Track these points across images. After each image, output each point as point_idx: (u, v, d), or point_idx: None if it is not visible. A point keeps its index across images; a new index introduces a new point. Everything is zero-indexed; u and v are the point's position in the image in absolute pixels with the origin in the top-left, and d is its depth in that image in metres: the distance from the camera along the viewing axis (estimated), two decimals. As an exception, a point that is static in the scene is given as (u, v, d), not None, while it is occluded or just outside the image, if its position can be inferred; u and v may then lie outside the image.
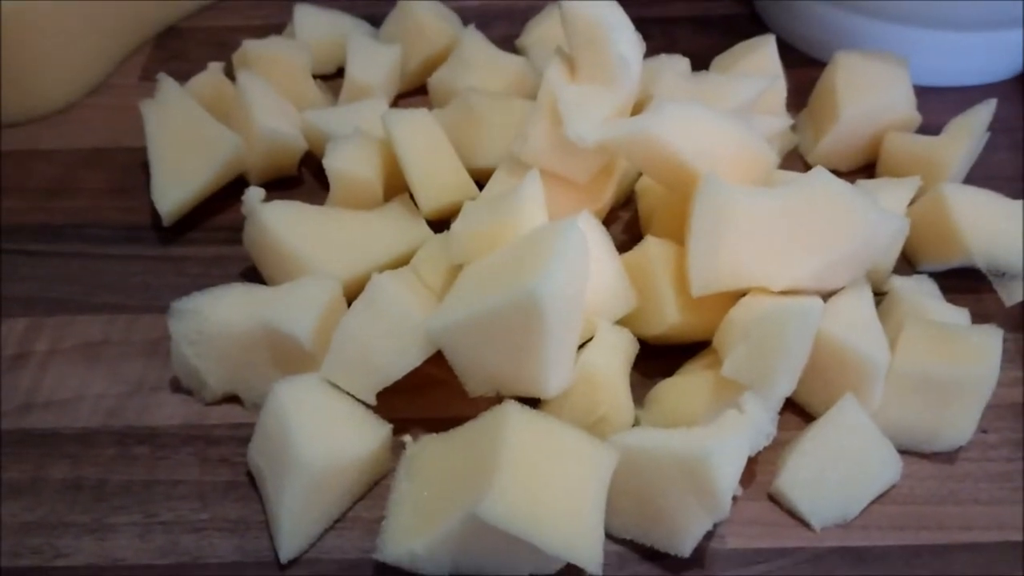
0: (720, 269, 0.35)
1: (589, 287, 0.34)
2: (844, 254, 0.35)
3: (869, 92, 0.45)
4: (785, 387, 0.33)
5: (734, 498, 0.33)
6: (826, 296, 0.35)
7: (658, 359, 0.38)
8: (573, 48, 0.39)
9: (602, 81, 0.38)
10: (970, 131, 0.43)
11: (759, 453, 0.33)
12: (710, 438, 0.30)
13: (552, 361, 0.32)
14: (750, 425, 0.31)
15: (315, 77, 0.50)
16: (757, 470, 0.34)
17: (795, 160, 0.47)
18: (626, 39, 0.38)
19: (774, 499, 0.33)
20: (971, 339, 0.34)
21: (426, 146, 0.41)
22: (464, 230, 0.36)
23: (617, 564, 0.32)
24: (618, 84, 0.38)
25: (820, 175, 0.35)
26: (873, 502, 0.33)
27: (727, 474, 0.29)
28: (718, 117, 0.37)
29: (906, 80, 0.46)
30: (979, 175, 0.45)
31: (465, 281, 0.34)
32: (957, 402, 0.34)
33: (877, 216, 0.34)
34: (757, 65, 0.47)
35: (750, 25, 0.56)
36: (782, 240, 0.35)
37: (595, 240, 0.36)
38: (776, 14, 0.55)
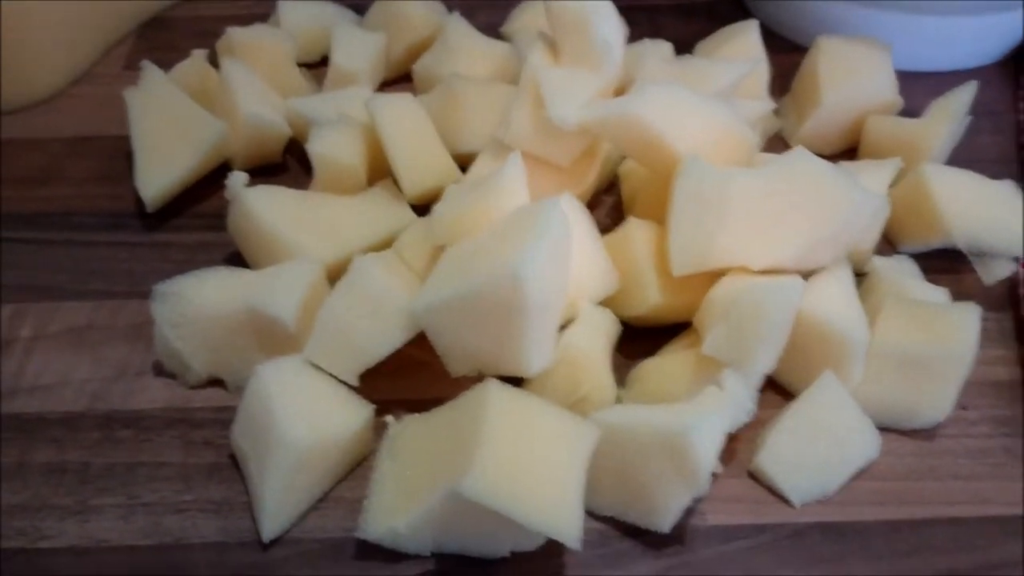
0: (701, 249, 0.35)
1: (571, 268, 0.35)
2: (825, 233, 0.35)
3: (851, 77, 0.45)
4: (764, 364, 0.33)
5: (715, 475, 0.33)
6: (807, 276, 0.36)
7: (642, 340, 0.38)
8: (556, 32, 0.39)
9: (585, 65, 0.39)
10: (951, 113, 0.43)
11: (740, 431, 0.33)
12: (689, 414, 0.30)
13: (533, 340, 0.32)
14: (729, 402, 0.31)
15: (300, 66, 0.51)
16: (738, 448, 0.34)
17: (778, 144, 0.47)
18: (609, 23, 0.38)
19: (754, 476, 0.34)
20: (949, 317, 0.35)
21: (410, 130, 0.41)
22: (446, 212, 0.36)
23: (598, 541, 0.32)
24: (601, 68, 0.38)
25: (801, 155, 0.35)
26: (853, 478, 0.33)
27: (706, 449, 0.30)
28: (700, 99, 0.37)
29: (888, 65, 0.46)
30: (962, 158, 0.45)
31: (447, 262, 0.34)
32: (935, 379, 0.34)
33: (858, 195, 0.35)
34: (740, 50, 0.47)
35: (734, 11, 0.57)
36: (763, 220, 0.35)
37: (577, 222, 0.36)
38: (760, 1, 0.55)
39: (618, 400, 0.35)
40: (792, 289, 0.33)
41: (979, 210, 0.39)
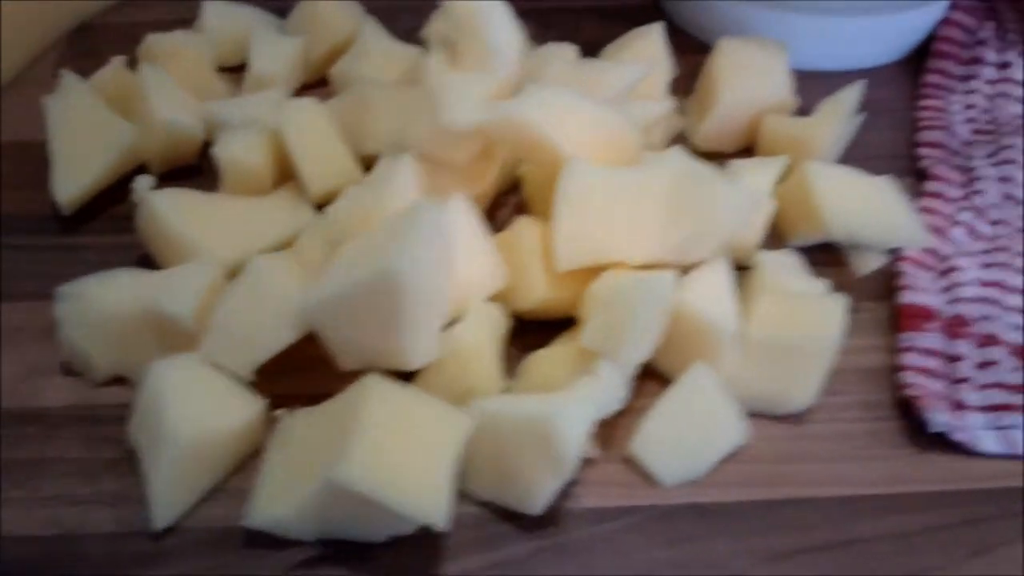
0: (583, 245, 0.37)
1: (460, 266, 0.36)
2: (699, 230, 0.37)
3: (747, 77, 0.47)
4: (637, 355, 0.35)
5: (592, 460, 0.35)
6: (687, 270, 0.37)
7: (537, 333, 0.39)
8: (454, 36, 0.41)
9: (479, 68, 0.40)
10: (838, 112, 0.45)
11: (620, 418, 0.35)
12: (556, 402, 0.32)
13: (414, 335, 0.33)
14: (598, 390, 0.33)
15: (224, 70, 0.52)
16: (617, 434, 0.36)
17: (683, 143, 0.49)
18: (502, 27, 0.40)
19: (630, 461, 0.35)
20: (816, 308, 0.36)
21: (314, 134, 0.43)
22: (338, 212, 0.37)
23: (475, 524, 0.33)
24: (494, 70, 0.40)
25: (675, 155, 0.37)
26: (723, 462, 0.35)
27: (571, 435, 0.31)
28: (586, 102, 0.38)
29: (784, 65, 0.47)
30: (859, 154, 0.47)
31: (337, 260, 0.36)
32: (802, 367, 0.36)
33: (729, 193, 0.36)
34: (644, 52, 0.49)
35: (652, 14, 0.58)
36: (640, 217, 0.37)
37: (466, 221, 0.37)
38: (675, 3, 0.57)
39: (507, 391, 0.37)
40: (663, 284, 0.35)
41: (856, 205, 0.41)
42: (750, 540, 0.33)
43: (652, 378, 0.37)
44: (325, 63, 0.52)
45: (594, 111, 0.38)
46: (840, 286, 0.41)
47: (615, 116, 0.39)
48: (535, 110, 0.37)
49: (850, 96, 0.45)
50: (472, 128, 0.38)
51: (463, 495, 0.34)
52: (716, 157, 0.47)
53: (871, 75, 0.54)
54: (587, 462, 0.35)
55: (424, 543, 0.33)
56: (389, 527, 0.32)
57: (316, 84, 0.53)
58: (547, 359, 0.37)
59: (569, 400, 0.32)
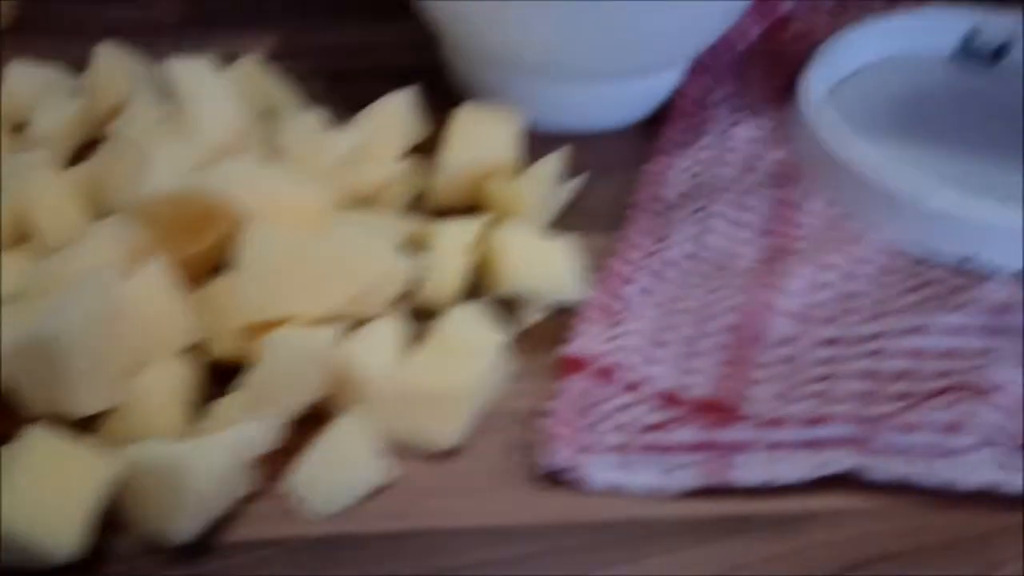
0: (260, 301, 0.41)
1: (146, 321, 0.41)
2: (363, 288, 0.41)
3: (472, 141, 0.51)
4: (290, 402, 0.39)
5: (255, 494, 0.39)
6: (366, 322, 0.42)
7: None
8: (176, 104, 0.46)
9: (188, 136, 0.45)
10: (542, 175, 0.49)
11: (288, 456, 0.40)
12: (186, 448, 0.36)
13: (76, 388, 0.38)
14: (239, 435, 0.37)
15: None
16: (284, 471, 0.40)
17: (422, 201, 0.53)
18: (208, 97, 0.45)
19: (287, 496, 0.40)
20: (470, 355, 0.41)
21: (52, 193, 0.47)
22: (45, 270, 0.42)
23: (128, 556, 0.37)
24: (198, 139, 0.45)
25: (342, 220, 0.42)
26: (369, 496, 0.39)
27: (196, 478, 0.36)
28: (271, 172, 0.43)
29: (512, 129, 0.52)
30: (583, 211, 0.53)
31: (27, 318, 0.40)
32: (449, 409, 0.40)
33: (386, 256, 0.41)
34: (389, 116, 0.53)
35: (439, 77, 0.62)
36: (313, 276, 0.41)
37: (157, 280, 0.42)
38: (457, 70, 0.61)
39: (190, 435, 0.41)
40: (320, 338, 0.40)
41: (531, 263, 0.46)
42: (371, 567, 0.37)
43: (325, 420, 0.42)
44: (107, 122, 0.56)
45: (280, 180, 0.43)
46: (525, 336, 0.46)
47: (301, 184, 0.44)
48: (222, 181, 0.42)
49: (554, 160, 0.50)
50: (164, 194, 0.43)
51: (123, 529, 0.38)
52: (451, 213, 0.51)
53: (614, 136, 0.59)
54: (250, 496, 0.39)
55: (85, 570, 0.37)
56: (38, 559, 0.36)
57: (99, 141, 0.57)
58: (230, 404, 0.42)
59: (200, 445, 0.36)
